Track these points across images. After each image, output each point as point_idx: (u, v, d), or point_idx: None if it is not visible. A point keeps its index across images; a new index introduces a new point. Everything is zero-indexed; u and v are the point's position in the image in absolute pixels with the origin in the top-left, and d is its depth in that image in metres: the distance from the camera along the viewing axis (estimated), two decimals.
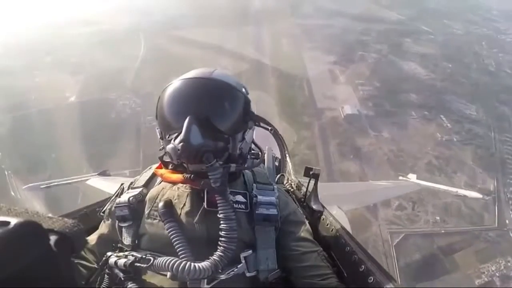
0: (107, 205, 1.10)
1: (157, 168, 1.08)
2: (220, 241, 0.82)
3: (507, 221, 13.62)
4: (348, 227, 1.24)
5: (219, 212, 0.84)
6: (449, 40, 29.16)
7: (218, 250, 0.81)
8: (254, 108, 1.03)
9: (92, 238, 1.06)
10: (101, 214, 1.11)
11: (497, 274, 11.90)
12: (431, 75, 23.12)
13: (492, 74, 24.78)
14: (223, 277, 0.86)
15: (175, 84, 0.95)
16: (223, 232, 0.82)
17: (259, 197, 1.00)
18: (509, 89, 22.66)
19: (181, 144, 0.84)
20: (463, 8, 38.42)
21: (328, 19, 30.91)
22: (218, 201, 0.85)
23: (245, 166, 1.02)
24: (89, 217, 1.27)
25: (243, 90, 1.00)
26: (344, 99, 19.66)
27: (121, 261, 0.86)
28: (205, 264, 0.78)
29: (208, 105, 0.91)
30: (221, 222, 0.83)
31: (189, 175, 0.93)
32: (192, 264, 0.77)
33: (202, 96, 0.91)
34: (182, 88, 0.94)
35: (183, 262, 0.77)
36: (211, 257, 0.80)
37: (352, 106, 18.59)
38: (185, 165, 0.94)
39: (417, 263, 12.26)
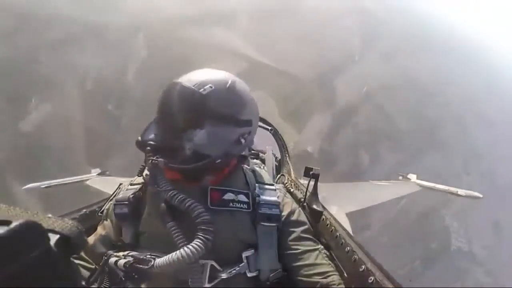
0: (106, 204, 1.09)
1: None
2: (194, 217, 0.81)
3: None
4: (348, 228, 1.23)
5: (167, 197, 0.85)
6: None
7: (200, 228, 0.80)
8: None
9: (92, 238, 1.05)
10: (100, 214, 1.10)
11: None
12: None
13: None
14: (224, 276, 0.85)
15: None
16: (191, 210, 0.82)
17: (262, 197, 1.00)
18: None
19: (138, 137, 0.95)
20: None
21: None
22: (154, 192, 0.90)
23: (176, 165, 0.91)
24: (89, 217, 1.27)
25: (205, 87, 0.94)
26: None
27: (121, 262, 0.85)
28: (196, 241, 0.77)
29: (161, 106, 0.99)
30: (182, 204, 0.83)
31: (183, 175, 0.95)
32: (185, 247, 0.76)
33: (168, 100, 0.97)
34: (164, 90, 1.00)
35: (178, 251, 0.76)
36: (198, 235, 0.79)
37: None
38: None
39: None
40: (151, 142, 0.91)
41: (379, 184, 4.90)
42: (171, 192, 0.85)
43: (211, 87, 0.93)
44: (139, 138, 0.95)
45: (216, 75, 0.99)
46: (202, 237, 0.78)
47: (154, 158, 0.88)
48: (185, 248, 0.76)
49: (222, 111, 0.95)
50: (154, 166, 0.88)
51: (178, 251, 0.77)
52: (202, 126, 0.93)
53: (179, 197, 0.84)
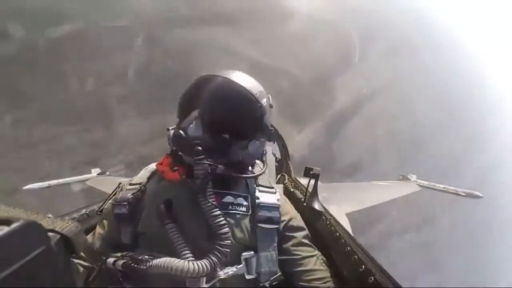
0: (105, 204, 1.09)
1: (158, 164, 1.06)
2: (215, 237, 0.81)
3: None
4: (348, 228, 1.24)
5: (205, 211, 0.84)
6: None
7: (215, 247, 0.81)
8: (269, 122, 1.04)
9: (91, 238, 1.05)
10: (99, 213, 1.10)
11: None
12: None
13: None
14: (222, 275, 0.85)
15: (209, 78, 0.96)
16: (214, 229, 0.82)
17: (261, 199, 1.00)
18: None
19: (180, 131, 0.86)
20: None
21: None
22: (200, 200, 0.85)
23: (234, 173, 0.92)
24: (89, 217, 1.28)
25: (264, 101, 0.99)
26: None
27: (119, 262, 0.85)
28: (203, 262, 0.77)
29: (220, 106, 0.92)
30: (208, 220, 0.83)
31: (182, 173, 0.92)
32: (190, 263, 0.77)
33: (220, 97, 0.93)
34: (212, 85, 0.94)
35: (181, 262, 0.77)
36: (209, 255, 0.80)
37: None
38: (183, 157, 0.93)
39: None
40: (198, 141, 0.85)
41: (379, 184, 4.90)
42: (213, 210, 0.83)
43: (265, 101, 1.00)
44: (182, 132, 0.86)
45: (261, 87, 1.02)
46: (212, 260, 0.78)
47: (211, 163, 0.85)
48: (192, 263, 0.76)
49: (268, 125, 1.02)
50: (212, 171, 0.85)
51: (182, 262, 0.77)
52: (257, 137, 0.99)
53: (219, 219, 0.82)
